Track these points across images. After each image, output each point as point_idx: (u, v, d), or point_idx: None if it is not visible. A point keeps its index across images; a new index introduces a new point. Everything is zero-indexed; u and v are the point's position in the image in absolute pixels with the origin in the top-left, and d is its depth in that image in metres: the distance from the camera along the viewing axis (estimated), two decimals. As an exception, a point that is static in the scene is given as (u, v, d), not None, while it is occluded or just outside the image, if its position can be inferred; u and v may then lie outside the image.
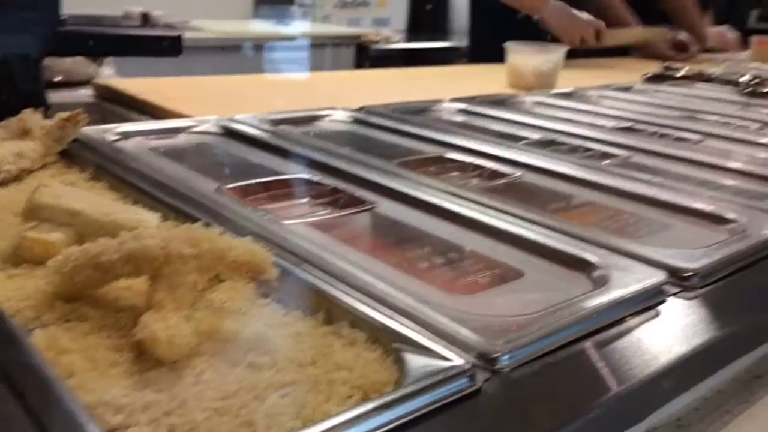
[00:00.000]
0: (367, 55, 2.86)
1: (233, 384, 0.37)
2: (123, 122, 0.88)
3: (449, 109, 1.16)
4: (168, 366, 0.39)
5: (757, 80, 1.56)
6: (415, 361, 0.39)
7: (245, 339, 0.42)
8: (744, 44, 2.44)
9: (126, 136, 0.83)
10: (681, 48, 2.17)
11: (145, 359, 0.39)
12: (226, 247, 0.42)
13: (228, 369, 0.39)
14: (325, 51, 2.80)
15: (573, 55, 1.56)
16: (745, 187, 0.80)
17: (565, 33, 1.79)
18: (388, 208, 0.66)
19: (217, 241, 0.42)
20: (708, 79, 1.69)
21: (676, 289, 0.52)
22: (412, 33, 3.50)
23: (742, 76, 1.60)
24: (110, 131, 0.82)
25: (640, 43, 2.04)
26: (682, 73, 1.72)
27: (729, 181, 0.82)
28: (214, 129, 0.90)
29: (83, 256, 0.42)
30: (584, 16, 1.85)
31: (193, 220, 0.54)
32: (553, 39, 1.80)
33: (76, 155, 0.74)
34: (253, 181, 0.69)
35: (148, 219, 0.53)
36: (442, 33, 3.60)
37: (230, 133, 0.89)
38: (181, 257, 0.41)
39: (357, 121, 1.03)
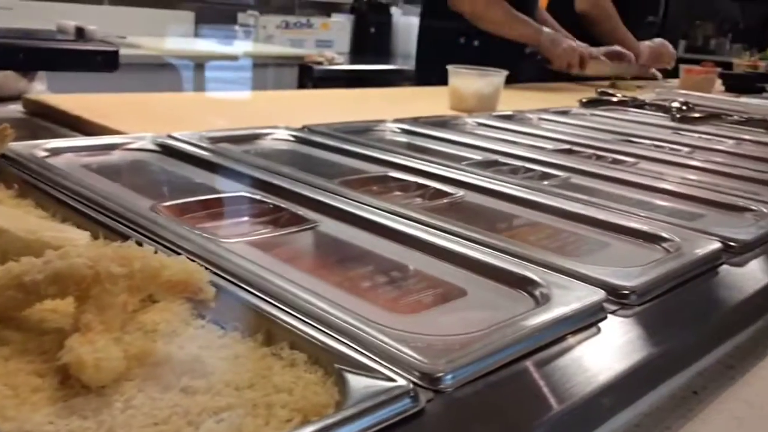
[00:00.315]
0: (310, 76, 2.86)
1: (165, 409, 0.36)
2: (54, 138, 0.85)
3: (392, 130, 1.17)
4: (95, 391, 0.36)
5: (686, 107, 1.62)
6: (356, 382, 0.38)
7: (179, 362, 0.40)
8: (674, 72, 2.54)
9: (56, 152, 0.79)
10: (618, 58, 2.26)
11: (71, 385, 0.37)
12: (159, 266, 0.40)
13: (160, 394, 0.37)
14: (267, 71, 2.79)
15: (512, 79, 1.59)
16: (678, 207, 0.83)
17: (555, 59, 2.05)
18: (330, 226, 0.65)
19: (150, 260, 0.40)
20: (641, 104, 1.75)
21: (615, 307, 0.53)
22: (356, 55, 3.52)
23: (672, 102, 1.66)
24: (39, 147, 0.78)
25: (612, 76, 2.15)
26: (616, 98, 1.78)
27: (663, 202, 0.84)
28: (150, 146, 0.87)
29: (5, 275, 0.40)
30: (573, 44, 2.06)
31: (126, 238, 0.52)
32: (545, 62, 2.07)
33: (2, 171, 0.70)
34: (191, 199, 0.67)
35: (76, 237, 0.51)
36: (385, 56, 3.63)
37: (167, 151, 0.87)
38: (111, 277, 0.39)
39: (299, 140, 1.02)
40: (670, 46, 2.56)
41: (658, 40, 2.57)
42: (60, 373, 0.37)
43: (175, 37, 3.00)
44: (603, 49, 2.25)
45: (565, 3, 2.41)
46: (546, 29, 2.06)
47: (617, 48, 2.28)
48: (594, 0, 2.38)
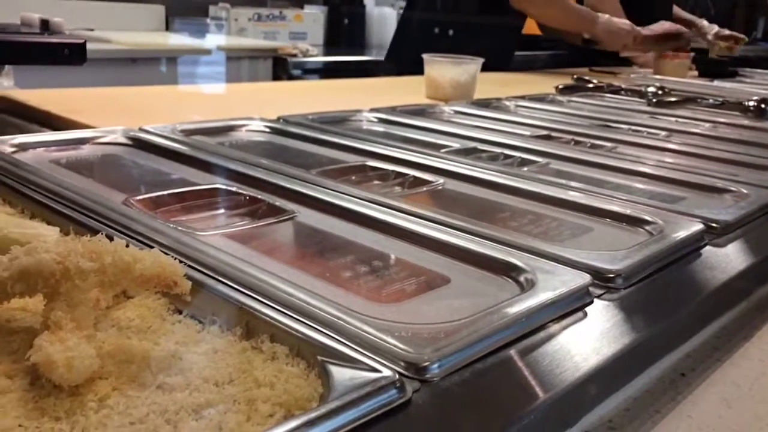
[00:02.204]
0: (285, 69, 2.83)
1: (142, 408, 0.34)
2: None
3: (369, 119, 1.15)
4: (68, 391, 0.35)
5: (662, 91, 1.63)
6: (340, 374, 0.36)
7: (155, 359, 0.38)
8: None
9: (23, 147, 0.77)
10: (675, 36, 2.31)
11: (41, 385, 0.35)
12: (131, 260, 0.39)
13: (136, 392, 0.36)
14: (241, 64, 2.75)
15: (487, 67, 1.58)
16: (658, 190, 0.82)
17: (612, 44, 2.13)
18: (309, 217, 0.63)
19: (122, 254, 0.39)
20: (617, 90, 1.75)
21: (601, 291, 0.52)
22: (330, 47, 3.49)
23: (648, 87, 1.67)
24: (6, 143, 0.76)
25: (663, 50, 2.20)
26: (593, 84, 1.78)
27: (643, 185, 0.84)
28: (121, 139, 0.85)
29: (-31, 274, 0.38)
30: (625, 25, 2.12)
31: (97, 234, 0.50)
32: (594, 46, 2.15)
33: (-33, 168, 0.68)
34: (165, 192, 0.65)
35: (45, 233, 0.49)
36: (359, 47, 3.60)
37: (139, 144, 0.84)
38: (81, 272, 0.37)
39: (275, 131, 1.00)
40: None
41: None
42: (30, 373, 0.36)
43: (146, 31, 2.95)
44: (662, 27, 2.28)
45: None
46: (600, 17, 2.09)
47: (675, 26, 2.32)
48: None
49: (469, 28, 2.05)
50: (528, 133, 1.12)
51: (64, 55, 0.95)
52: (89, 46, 1.01)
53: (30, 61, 1.02)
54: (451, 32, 2.15)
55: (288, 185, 0.69)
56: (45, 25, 1.01)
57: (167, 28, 3.11)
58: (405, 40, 2.25)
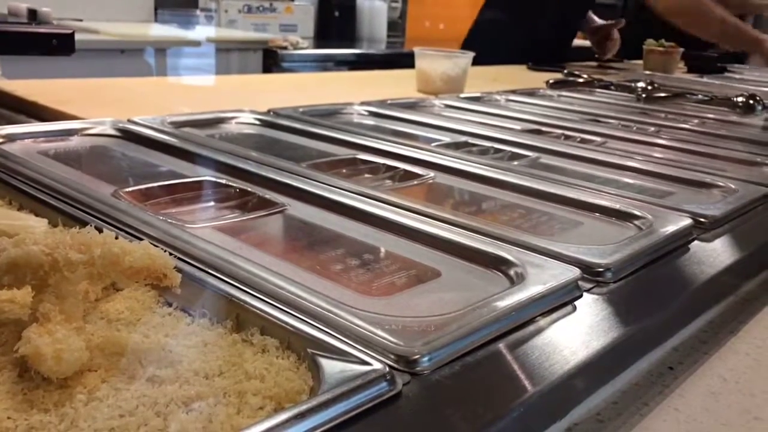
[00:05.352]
0: (275, 61, 2.82)
1: (131, 400, 0.34)
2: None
3: (359, 112, 1.15)
4: (56, 383, 0.35)
5: (651, 87, 1.63)
6: (331, 367, 0.36)
7: (145, 351, 0.38)
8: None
9: (11, 138, 0.76)
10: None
11: (30, 377, 0.35)
12: (120, 252, 0.38)
13: (125, 384, 0.35)
14: (231, 56, 2.73)
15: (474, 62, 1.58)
16: (647, 185, 0.83)
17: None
18: (299, 209, 0.63)
19: (111, 246, 0.38)
20: (607, 85, 1.76)
21: (590, 285, 0.52)
22: (321, 40, 3.48)
23: (637, 82, 1.67)
24: (-7, 133, 0.75)
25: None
26: (582, 79, 1.79)
27: (632, 180, 0.85)
28: (110, 131, 0.84)
29: (-44, 265, 0.38)
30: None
31: (86, 225, 0.49)
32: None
33: (-46, 159, 0.67)
34: (154, 185, 0.65)
35: (33, 225, 0.48)
36: (349, 40, 3.59)
37: (128, 136, 0.84)
38: (70, 264, 0.37)
39: (265, 124, 1.00)
40: None
41: None
42: (18, 365, 0.36)
43: (135, 22, 2.93)
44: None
45: None
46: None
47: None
48: None
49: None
50: (518, 127, 1.12)
51: (52, 46, 0.94)
52: (77, 36, 1.01)
53: (17, 51, 1.01)
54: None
55: (278, 178, 0.69)
56: (33, 15, 1.00)
57: (156, 19, 3.09)
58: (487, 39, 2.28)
